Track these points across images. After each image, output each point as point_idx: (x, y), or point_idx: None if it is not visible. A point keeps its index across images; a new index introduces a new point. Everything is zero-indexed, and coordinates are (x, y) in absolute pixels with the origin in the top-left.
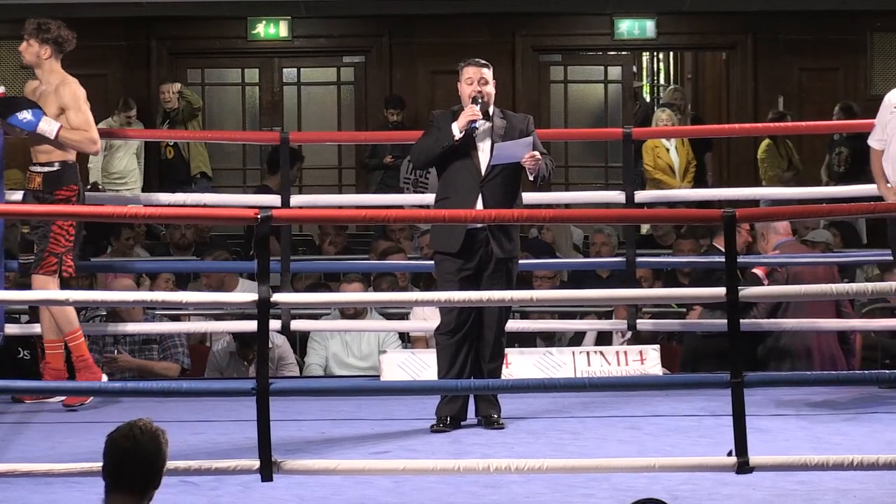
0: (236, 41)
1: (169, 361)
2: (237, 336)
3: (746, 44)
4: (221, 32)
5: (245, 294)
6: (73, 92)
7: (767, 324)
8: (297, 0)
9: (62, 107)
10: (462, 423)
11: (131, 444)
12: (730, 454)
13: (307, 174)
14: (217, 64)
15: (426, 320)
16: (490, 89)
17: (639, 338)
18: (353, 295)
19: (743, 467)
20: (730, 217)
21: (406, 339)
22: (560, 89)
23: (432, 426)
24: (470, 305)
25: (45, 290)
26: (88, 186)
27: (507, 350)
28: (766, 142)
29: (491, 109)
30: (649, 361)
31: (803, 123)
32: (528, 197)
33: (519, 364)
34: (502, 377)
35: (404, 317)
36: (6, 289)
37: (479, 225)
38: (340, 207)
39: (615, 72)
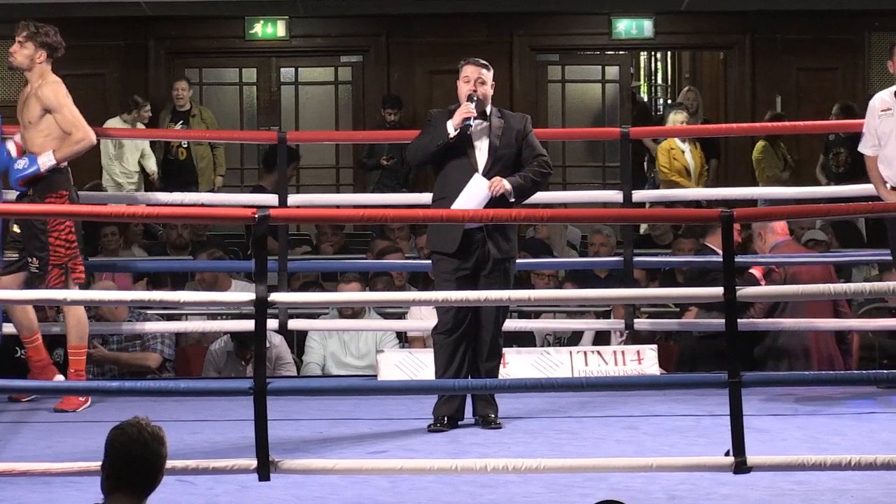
0: (234, 41)
1: (147, 352)
2: (235, 335)
3: (744, 43)
4: (219, 32)
5: (242, 293)
6: (54, 91)
7: (764, 324)
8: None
9: (46, 108)
10: (459, 422)
11: (137, 446)
12: (727, 454)
13: (304, 174)
14: (215, 63)
15: (423, 320)
16: (487, 89)
17: (637, 337)
18: (349, 295)
19: (740, 467)
20: (727, 217)
21: (403, 339)
22: (558, 89)
23: (430, 426)
24: (467, 305)
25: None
26: (89, 185)
27: (504, 350)
28: (761, 143)
29: (488, 109)
30: (646, 361)
31: (801, 123)
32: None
33: (516, 364)
34: (500, 377)
35: (402, 316)
36: None
37: (475, 225)
38: (338, 207)
39: (613, 71)
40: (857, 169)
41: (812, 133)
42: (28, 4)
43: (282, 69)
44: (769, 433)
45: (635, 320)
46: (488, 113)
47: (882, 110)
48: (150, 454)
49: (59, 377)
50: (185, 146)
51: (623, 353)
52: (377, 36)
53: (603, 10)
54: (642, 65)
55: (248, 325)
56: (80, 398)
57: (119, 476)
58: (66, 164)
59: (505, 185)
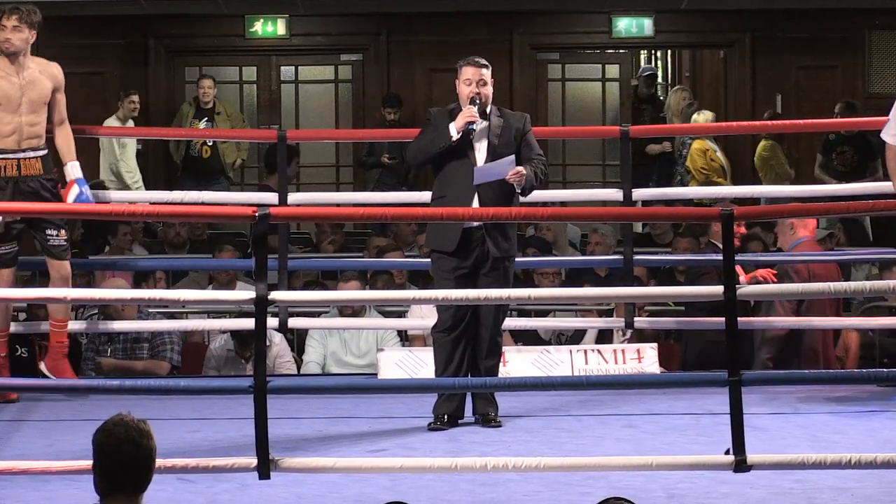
0: (234, 39)
1: (157, 359)
2: (235, 334)
3: (744, 42)
4: (219, 30)
5: (243, 292)
6: (60, 70)
7: (760, 322)
8: None
9: (56, 87)
10: (459, 421)
11: (127, 446)
12: (727, 452)
13: (304, 172)
14: (215, 62)
15: (424, 318)
16: (488, 90)
17: (641, 337)
18: (350, 293)
19: (740, 466)
20: (728, 215)
21: (404, 338)
22: (558, 87)
23: (430, 424)
24: (467, 304)
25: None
26: (91, 184)
27: (504, 348)
28: (768, 141)
29: (488, 108)
30: (647, 360)
31: (802, 122)
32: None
33: (516, 362)
34: (499, 375)
35: (402, 315)
36: None
37: (475, 224)
38: (338, 205)
39: (613, 70)
40: (864, 167)
41: (812, 132)
42: (27, 2)
43: (282, 67)
44: (769, 432)
45: (635, 318)
46: (488, 112)
47: None
48: (141, 453)
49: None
50: (210, 144)
51: (623, 351)
52: (377, 34)
53: (603, 8)
54: (642, 63)
55: (249, 323)
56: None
57: (113, 479)
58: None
59: (524, 179)
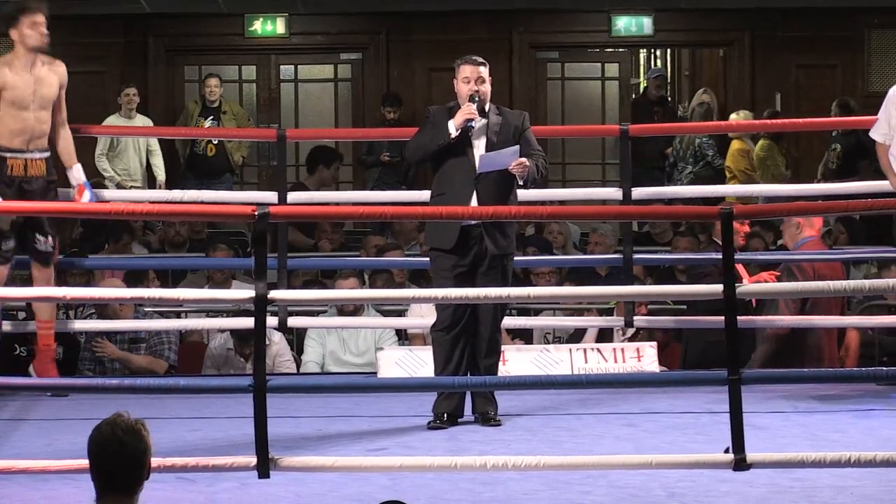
0: (233, 38)
1: (155, 357)
2: (235, 332)
3: (744, 41)
4: (219, 29)
5: (242, 291)
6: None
7: (762, 321)
8: None
9: (62, 85)
10: (459, 420)
11: (112, 445)
12: (727, 451)
13: (303, 171)
14: (214, 61)
15: (423, 317)
16: (486, 88)
17: (642, 335)
18: (349, 292)
19: (740, 464)
20: (727, 214)
21: (403, 336)
22: (557, 86)
23: (429, 423)
24: (466, 302)
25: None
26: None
27: (504, 347)
28: (764, 141)
29: (487, 106)
30: (646, 358)
31: (801, 120)
32: (526, 194)
33: (516, 361)
34: (499, 374)
35: (401, 314)
36: None
37: (473, 222)
38: (337, 204)
39: (612, 69)
40: (851, 164)
41: (811, 130)
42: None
43: (281, 67)
44: (769, 430)
45: (635, 317)
46: (486, 110)
47: None
48: (127, 453)
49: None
50: (216, 142)
51: (623, 350)
52: (377, 33)
53: (602, 7)
54: (642, 62)
55: (248, 322)
56: None
57: (103, 477)
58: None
59: (527, 171)
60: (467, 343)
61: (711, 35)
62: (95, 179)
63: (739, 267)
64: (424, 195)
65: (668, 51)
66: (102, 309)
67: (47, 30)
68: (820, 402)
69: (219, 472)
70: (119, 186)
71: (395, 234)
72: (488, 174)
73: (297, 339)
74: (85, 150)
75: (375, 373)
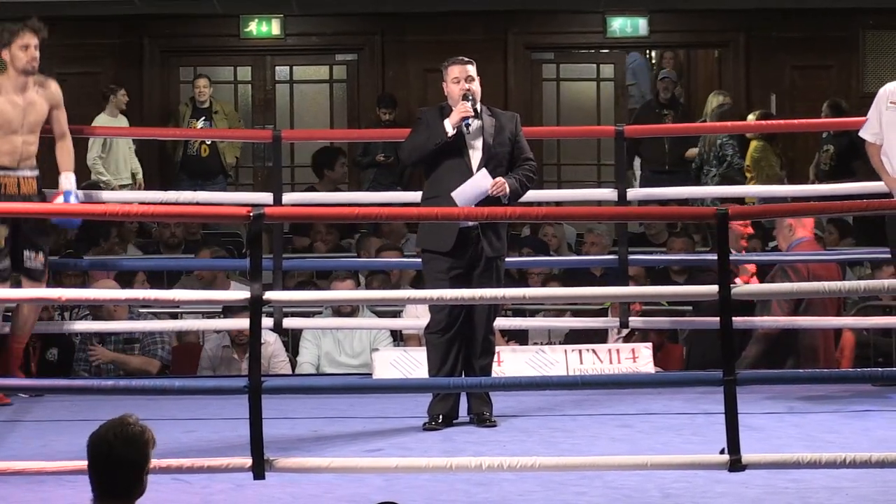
0: (229, 39)
1: (147, 356)
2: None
3: (739, 41)
4: (214, 30)
5: (238, 292)
6: (58, 87)
7: (760, 321)
8: None
9: (54, 105)
10: (454, 421)
11: (109, 452)
12: (722, 452)
13: (299, 172)
14: (209, 62)
15: (419, 318)
16: (476, 86)
17: (636, 336)
18: (345, 293)
19: (735, 465)
20: (722, 215)
21: (398, 337)
22: (552, 87)
23: (424, 424)
24: (462, 303)
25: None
26: (84, 184)
27: (499, 348)
28: (759, 142)
29: (478, 107)
30: (641, 359)
31: (795, 121)
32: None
33: (511, 362)
34: (494, 375)
35: (397, 315)
36: None
37: (470, 223)
38: (332, 205)
39: (608, 70)
40: (843, 165)
41: (806, 131)
42: (22, 3)
43: (276, 67)
44: (764, 431)
45: (630, 318)
46: (478, 110)
47: (891, 102)
48: (124, 462)
49: None
50: (209, 143)
51: (618, 351)
52: (372, 34)
53: (598, 8)
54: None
55: (244, 323)
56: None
57: (100, 482)
58: None
59: (506, 188)
60: (462, 345)
61: (707, 36)
62: (92, 181)
63: (751, 268)
64: (420, 196)
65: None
66: (96, 310)
67: (39, 52)
68: (815, 403)
69: (214, 474)
70: (107, 186)
71: (386, 235)
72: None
73: (292, 341)
74: (78, 149)
75: (370, 374)
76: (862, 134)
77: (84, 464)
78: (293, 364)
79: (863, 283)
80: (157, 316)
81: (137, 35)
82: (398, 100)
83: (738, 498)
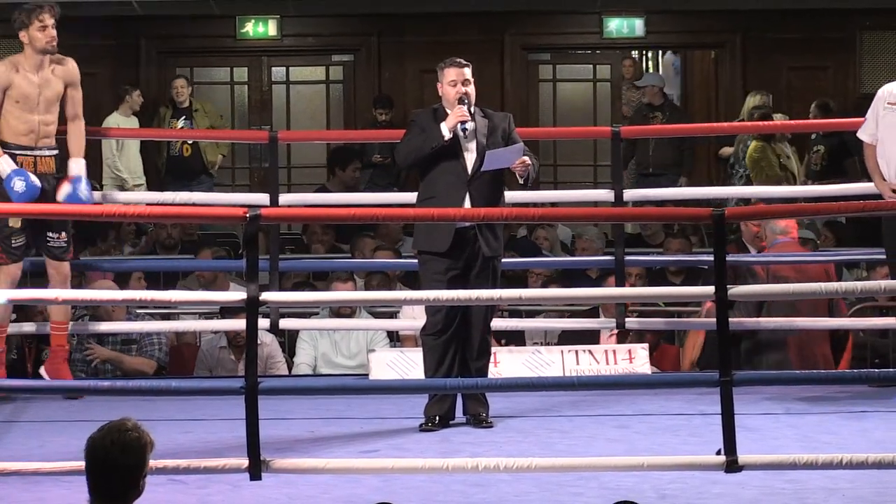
0: (225, 40)
1: (144, 357)
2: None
3: (735, 42)
4: (210, 31)
5: (234, 293)
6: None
7: (750, 323)
8: None
9: (69, 83)
10: (451, 422)
11: (105, 458)
12: (719, 453)
13: (295, 173)
14: (206, 63)
15: (416, 319)
16: (472, 89)
17: (631, 337)
18: (341, 294)
19: (732, 466)
20: (719, 216)
21: (395, 338)
22: (549, 88)
23: (421, 425)
24: (459, 304)
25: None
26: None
27: (495, 349)
28: (758, 143)
29: (472, 108)
30: (638, 360)
31: (792, 122)
32: (517, 196)
33: (507, 363)
34: (491, 376)
35: (393, 316)
36: None
37: (467, 224)
38: (329, 206)
39: (604, 70)
40: (834, 165)
41: (803, 132)
42: (20, 3)
43: (273, 68)
44: (760, 432)
45: (626, 319)
46: (472, 113)
47: (889, 103)
48: (122, 467)
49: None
50: (190, 143)
51: (614, 352)
52: (368, 35)
53: (594, 9)
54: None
55: (241, 324)
56: None
57: (96, 485)
58: None
59: (530, 170)
60: (458, 346)
61: (703, 37)
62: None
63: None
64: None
65: (660, 52)
66: (95, 310)
67: (57, 31)
68: (812, 404)
69: (211, 474)
70: (124, 185)
71: (382, 237)
72: (480, 176)
73: (288, 342)
74: (93, 148)
75: (367, 375)
76: (859, 135)
77: (81, 464)
78: (290, 365)
79: (859, 284)
80: (153, 316)
81: (134, 36)
82: (394, 100)
83: (734, 499)
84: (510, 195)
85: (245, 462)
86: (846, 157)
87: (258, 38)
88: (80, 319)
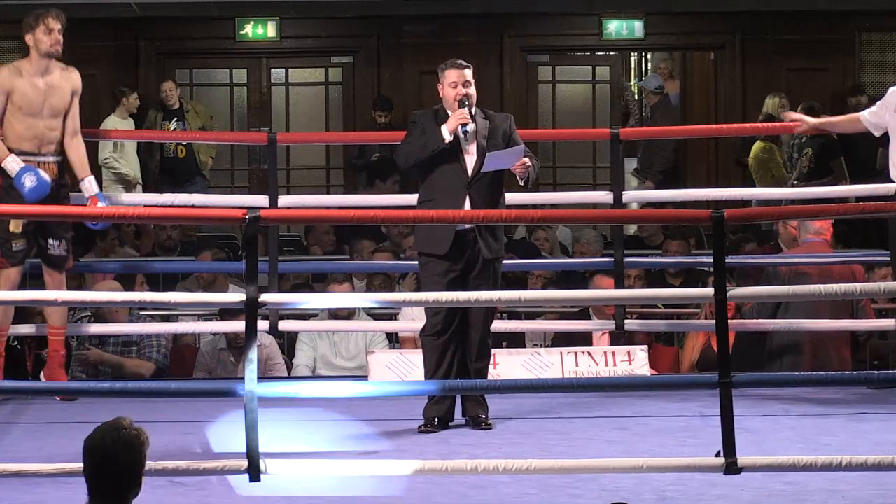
0: (224, 42)
1: (142, 359)
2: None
3: (735, 44)
4: (210, 33)
5: (233, 294)
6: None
7: (754, 324)
8: (286, 0)
9: (74, 92)
10: (450, 423)
11: (107, 457)
12: (718, 455)
13: (294, 175)
14: (205, 64)
15: (415, 321)
16: (473, 91)
17: (633, 339)
18: (340, 296)
19: (731, 468)
20: (718, 217)
21: (394, 340)
22: (548, 90)
23: (420, 427)
24: (459, 306)
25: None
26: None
27: (494, 350)
28: (764, 143)
29: (473, 109)
30: (637, 362)
31: (791, 123)
32: (517, 197)
33: (507, 364)
34: (490, 377)
35: (393, 317)
36: None
37: (467, 225)
38: (328, 208)
39: (603, 72)
40: (821, 167)
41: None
42: (19, 5)
43: (272, 70)
44: (760, 434)
45: (626, 321)
46: (473, 114)
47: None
48: (123, 465)
49: None
50: (184, 144)
51: (613, 353)
52: (367, 37)
53: (593, 10)
54: (633, 66)
55: (240, 326)
56: None
57: (94, 484)
58: None
59: (530, 171)
60: (458, 347)
61: (702, 38)
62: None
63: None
64: (416, 199)
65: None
66: (98, 311)
67: (62, 36)
68: (811, 406)
69: (209, 476)
70: (126, 177)
71: (393, 238)
72: (480, 178)
73: (287, 343)
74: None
75: (366, 376)
76: (862, 113)
77: (80, 466)
78: (289, 366)
79: (858, 286)
80: (152, 318)
81: (133, 38)
82: (394, 102)
83: (733, 501)
84: (510, 196)
85: (244, 464)
86: (833, 158)
87: (257, 40)
88: (81, 320)
